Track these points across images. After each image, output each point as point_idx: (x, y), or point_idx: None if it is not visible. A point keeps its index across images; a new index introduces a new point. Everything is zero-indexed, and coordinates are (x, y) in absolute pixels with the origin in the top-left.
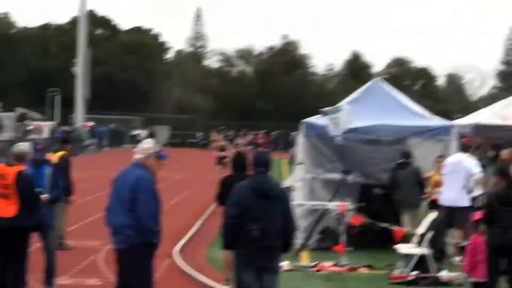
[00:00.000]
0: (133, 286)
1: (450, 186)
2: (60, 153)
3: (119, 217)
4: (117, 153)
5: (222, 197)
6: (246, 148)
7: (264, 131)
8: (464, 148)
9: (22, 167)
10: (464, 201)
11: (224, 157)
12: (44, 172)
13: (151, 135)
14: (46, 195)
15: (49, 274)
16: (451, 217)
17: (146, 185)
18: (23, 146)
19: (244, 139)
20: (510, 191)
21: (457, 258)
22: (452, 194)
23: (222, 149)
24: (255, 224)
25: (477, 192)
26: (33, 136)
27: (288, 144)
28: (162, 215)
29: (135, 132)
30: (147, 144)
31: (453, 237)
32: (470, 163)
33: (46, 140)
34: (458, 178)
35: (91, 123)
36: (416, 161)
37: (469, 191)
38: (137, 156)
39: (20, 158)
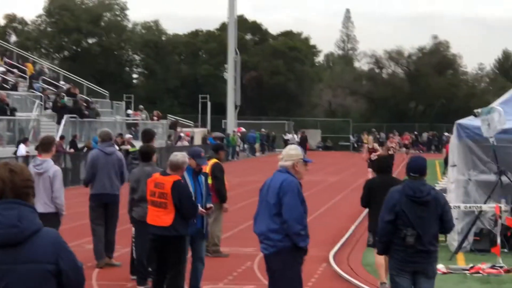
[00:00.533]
0: None
1: None
2: (213, 161)
3: (265, 223)
4: (269, 158)
5: (366, 200)
6: (396, 150)
7: (410, 132)
8: None
9: (178, 177)
10: None
11: (374, 160)
12: (200, 180)
13: (302, 139)
14: (210, 205)
15: (196, 281)
16: None
17: (292, 188)
18: (180, 156)
19: (391, 141)
20: None
21: None
22: None
23: (372, 151)
24: (410, 230)
25: None
26: (185, 143)
27: (440, 145)
28: (317, 220)
29: (287, 136)
30: (294, 151)
31: None
32: None
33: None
34: None
35: (242, 129)
36: None
37: None
38: (284, 163)
39: (176, 167)
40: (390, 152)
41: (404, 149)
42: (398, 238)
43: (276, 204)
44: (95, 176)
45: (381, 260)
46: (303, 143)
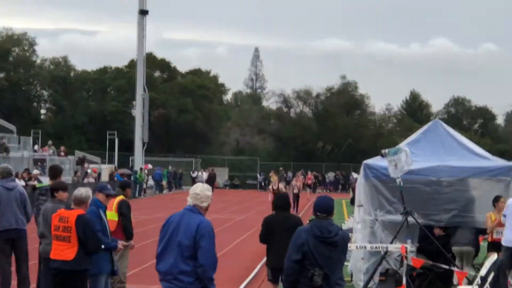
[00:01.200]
0: None
1: None
2: (120, 198)
3: (174, 262)
4: (176, 195)
5: (265, 236)
6: (301, 189)
7: (317, 172)
8: None
9: (82, 211)
10: None
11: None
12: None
13: (210, 177)
14: (125, 243)
15: None
16: None
17: (208, 232)
18: (83, 191)
19: (297, 179)
20: None
21: None
22: None
23: (278, 190)
24: (317, 270)
25: None
26: (91, 179)
27: (347, 185)
28: (222, 258)
29: (195, 174)
30: (209, 191)
31: None
32: None
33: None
34: None
35: (149, 166)
36: (477, 202)
37: None
38: (201, 204)
39: (80, 202)
40: (295, 191)
41: (308, 189)
42: (305, 277)
43: (190, 246)
44: None
45: None
46: (211, 181)
